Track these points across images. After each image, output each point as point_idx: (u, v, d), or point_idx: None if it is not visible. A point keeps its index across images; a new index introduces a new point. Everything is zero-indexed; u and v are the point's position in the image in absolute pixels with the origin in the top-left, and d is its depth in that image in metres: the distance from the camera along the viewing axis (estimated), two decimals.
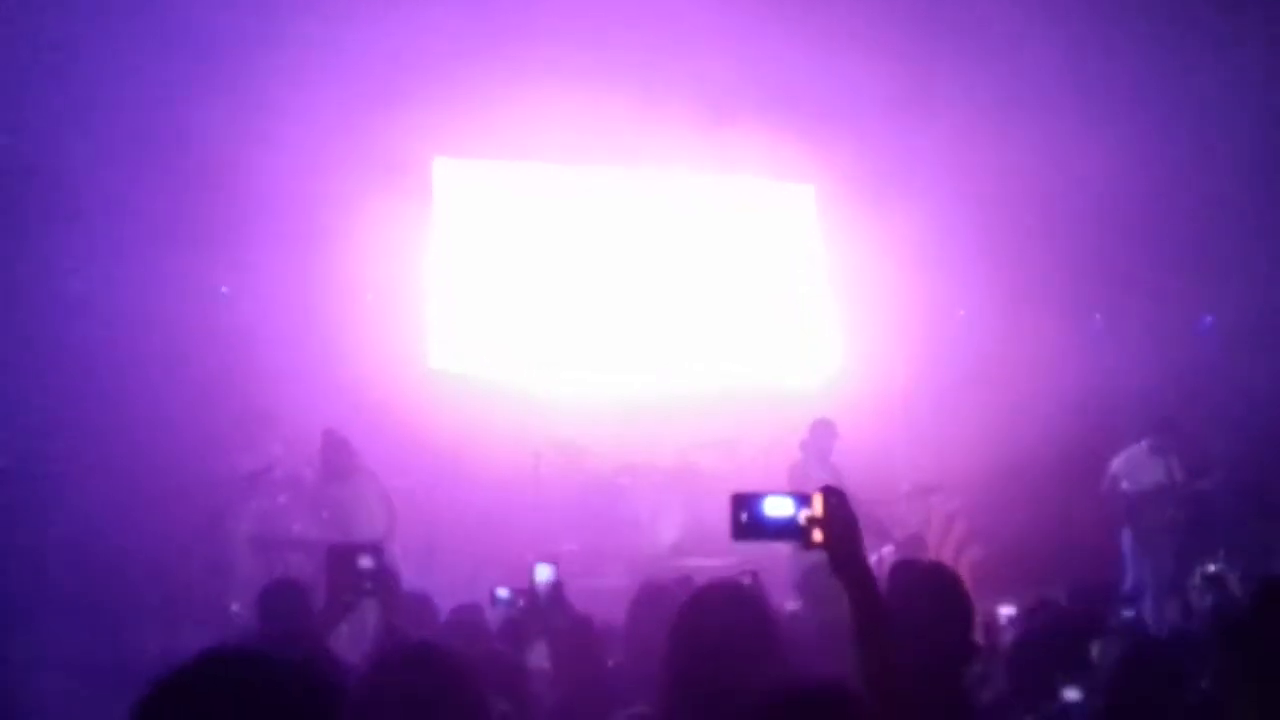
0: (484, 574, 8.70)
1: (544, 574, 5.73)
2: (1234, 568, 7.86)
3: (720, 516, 2.73)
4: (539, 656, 5.15)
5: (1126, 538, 9.04)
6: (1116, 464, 9.10)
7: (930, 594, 3.43)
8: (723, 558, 7.59)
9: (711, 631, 3.05)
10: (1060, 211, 10.67)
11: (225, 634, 7.57)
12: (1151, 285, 10.97)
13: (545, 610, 5.44)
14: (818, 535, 2.63)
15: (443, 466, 9.57)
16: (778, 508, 2.66)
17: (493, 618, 5.39)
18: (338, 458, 8.31)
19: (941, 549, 9.82)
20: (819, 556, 2.69)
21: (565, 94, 9.85)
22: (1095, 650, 4.52)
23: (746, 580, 4.42)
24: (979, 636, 4.19)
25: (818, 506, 2.63)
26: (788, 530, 2.65)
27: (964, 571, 9.71)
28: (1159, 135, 9.97)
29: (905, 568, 3.66)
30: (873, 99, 10.28)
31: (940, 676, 3.30)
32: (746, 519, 2.66)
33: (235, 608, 7.77)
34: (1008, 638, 5.85)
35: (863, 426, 9.87)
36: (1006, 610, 5.98)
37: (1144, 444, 9.10)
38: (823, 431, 9.37)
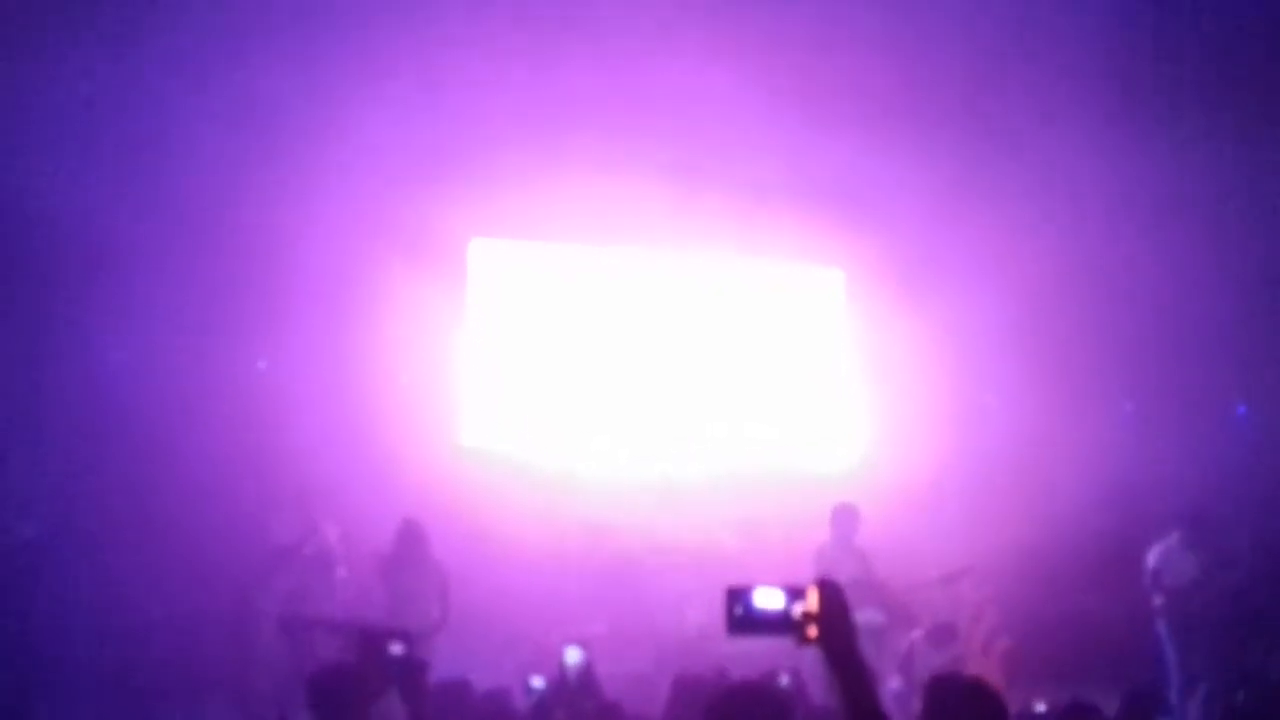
0: (511, 654, 8.71)
1: (573, 657, 5.73)
2: (1273, 665, 7.71)
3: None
4: None
5: (1164, 633, 8.87)
6: (1153, 558, 8.94)
7: (968, 712, 3.39)
8: (752, 643, 7.51)
9: None
10: (1091, 300, 10.68)
11: (248, 711, 7.59)
12: (1183, 374, 10.92)
13: (574, 694, 5.43)
14: (812, 631, 2.60)
15: (471, 544, 9.57)
16: (769, 600, 2.63)
17: (524, 705, 5.38)
18: (410, 549, 8.42)
19: (971, 637, 9.69)
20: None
21: (600, 176, 10.02)
22: None
23: (784, 679, 4.40)
24: None
25: (812, 601, 2.60)
26: (781, 624, 2.62)
27: (994, 661, 9.65)
28: (1191, 226, 10.00)
29: (944, 683, 3.61)
30: (903, 187, 10.38)
31: None
32: (741, 613, 2.64)
33: (262, 685, 7.76)
34: None
35: (891, 511, 9.81)
36: (1040, 707, 5.90)
37: (1176, 537, 8.95)
38: (845, 517, 9.34)
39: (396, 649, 4.09)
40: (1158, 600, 8.81)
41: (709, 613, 9.93)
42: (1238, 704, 7.17)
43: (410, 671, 4.01)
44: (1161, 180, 9.95)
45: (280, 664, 7.80)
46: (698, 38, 9.66)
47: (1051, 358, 10.76)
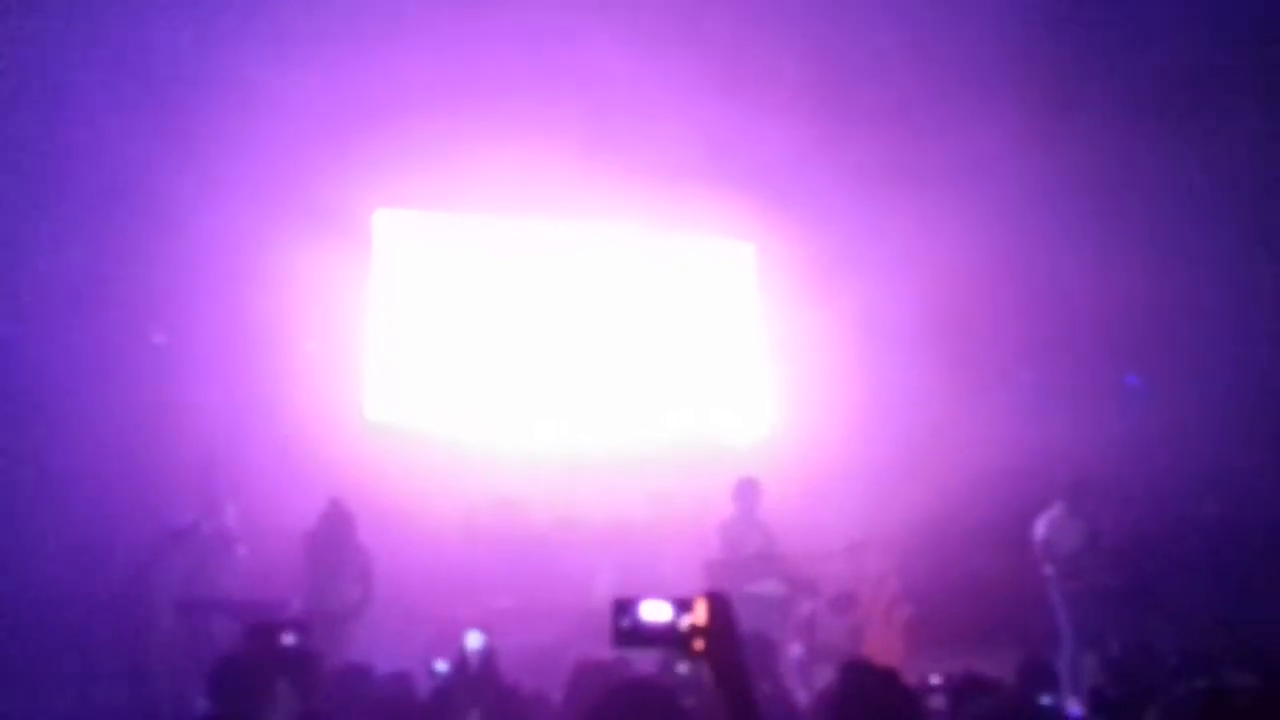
0: (415, 630, 8.65)
1: (475, 642, 5.70)
2: (1163, 636, 7.91)
3: (653, 572, 2.71)
4: None
5: (1057, 601, 9.06)
6: (1040, 528, 9.10)
7: (878, 698, 3.45)
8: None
9: None
10: (993, 278, 10.86)
11: (144, 694, 7.44)
12: (1083, 352, 11.20)
13: (476, 680, 5.41)
14: (699, 644, 2.60)
15: (376, 519, 9.47)
16: (656, 613, 2.63)
17: (425, 688, 5.34)
18: (336, 531, 8.33)
19: (873, 607, 9.88)
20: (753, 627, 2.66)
21: (508, 146, 9.90)
22: None
23: (682, 666, 4.42)
24: None
25: (700, 614, 2.60)
26: (668, 637, 2.61)
27: (896, 629, 9.87)
28: (1090, 209, 10.24)
29: (856, 670, 3.65)
30: (816, 167, 10.43)
31: None
32: (628, 625, 2.63)
33: (159, 669, 7.61)
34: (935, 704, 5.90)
35: (797, 483, 9.93)
36: (935, 680, 6.02)
37: (1060, 506, 9.11)
38: (747, 491, 9.40)
39: (288, 639, 4.01)
40: (1049, 569, 9.00)
41: (617, 586, 10.00)
42: (1124, 669, 7.40)
43: (302, 662, 3.95)
44: (1068, 166, 10.17)
45: (177, 647, 7.66)
46: (612, 10, 9.57)
47: (954, 335, 10.94)
